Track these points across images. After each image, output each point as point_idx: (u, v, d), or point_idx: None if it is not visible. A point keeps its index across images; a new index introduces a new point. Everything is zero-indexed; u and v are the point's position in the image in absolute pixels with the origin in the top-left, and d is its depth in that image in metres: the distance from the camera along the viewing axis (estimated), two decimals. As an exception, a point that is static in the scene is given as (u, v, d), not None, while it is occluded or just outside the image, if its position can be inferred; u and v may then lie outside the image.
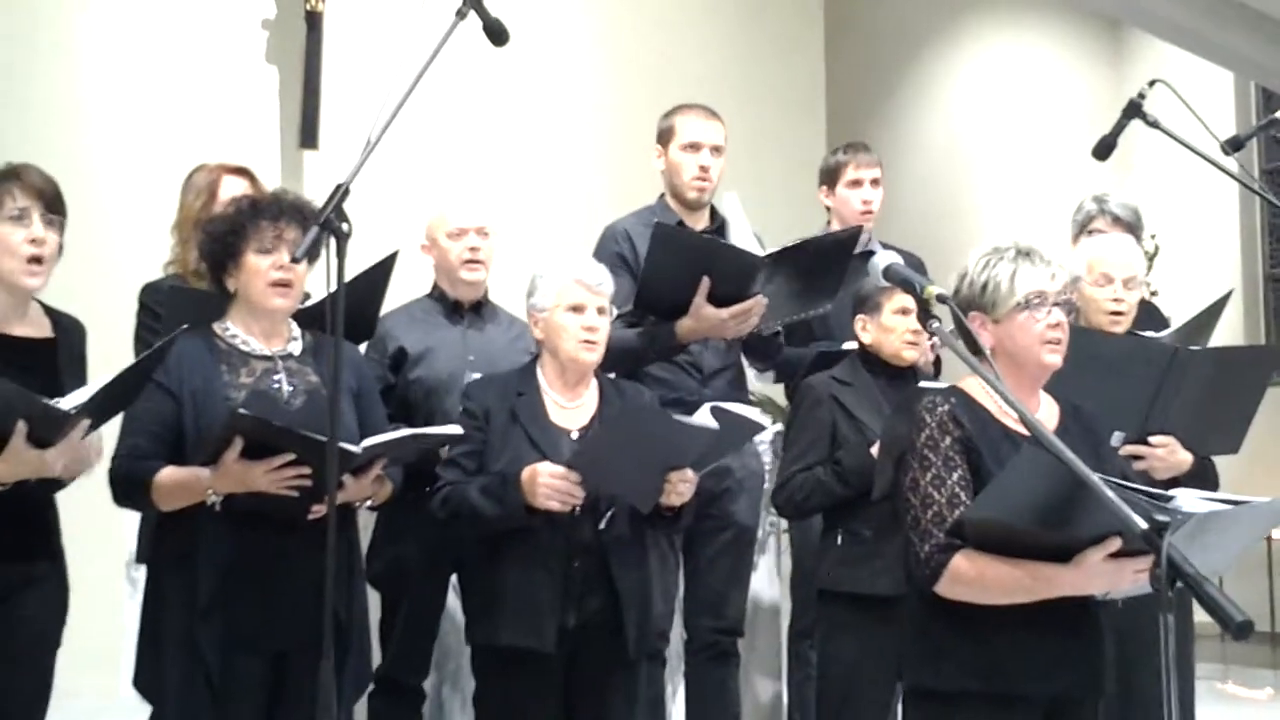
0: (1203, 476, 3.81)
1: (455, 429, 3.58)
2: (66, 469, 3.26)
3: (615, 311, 3.85)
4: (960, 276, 3.04)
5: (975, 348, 2.95)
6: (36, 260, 3.33)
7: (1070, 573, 2.79)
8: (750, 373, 4.84)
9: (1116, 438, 3.80)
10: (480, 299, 4.42)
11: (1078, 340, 3.96)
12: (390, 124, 3.10)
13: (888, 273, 2.93)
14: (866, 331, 4.19)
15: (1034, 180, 6.55)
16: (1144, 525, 2.21)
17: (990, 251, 3.03)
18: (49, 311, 3.47)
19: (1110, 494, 2.33)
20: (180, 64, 6.25)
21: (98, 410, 3.23)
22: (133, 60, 5.92)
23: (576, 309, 3.70)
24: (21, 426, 3.14)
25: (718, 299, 4.26)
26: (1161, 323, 4.68)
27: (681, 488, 3.59)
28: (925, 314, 2.87)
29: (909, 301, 4.09)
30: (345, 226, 3.00)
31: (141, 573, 3.56)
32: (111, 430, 3.36)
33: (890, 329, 4.15)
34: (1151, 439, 3.83)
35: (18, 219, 3.32)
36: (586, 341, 3.70)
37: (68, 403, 3.20)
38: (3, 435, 3.16)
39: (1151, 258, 5.05)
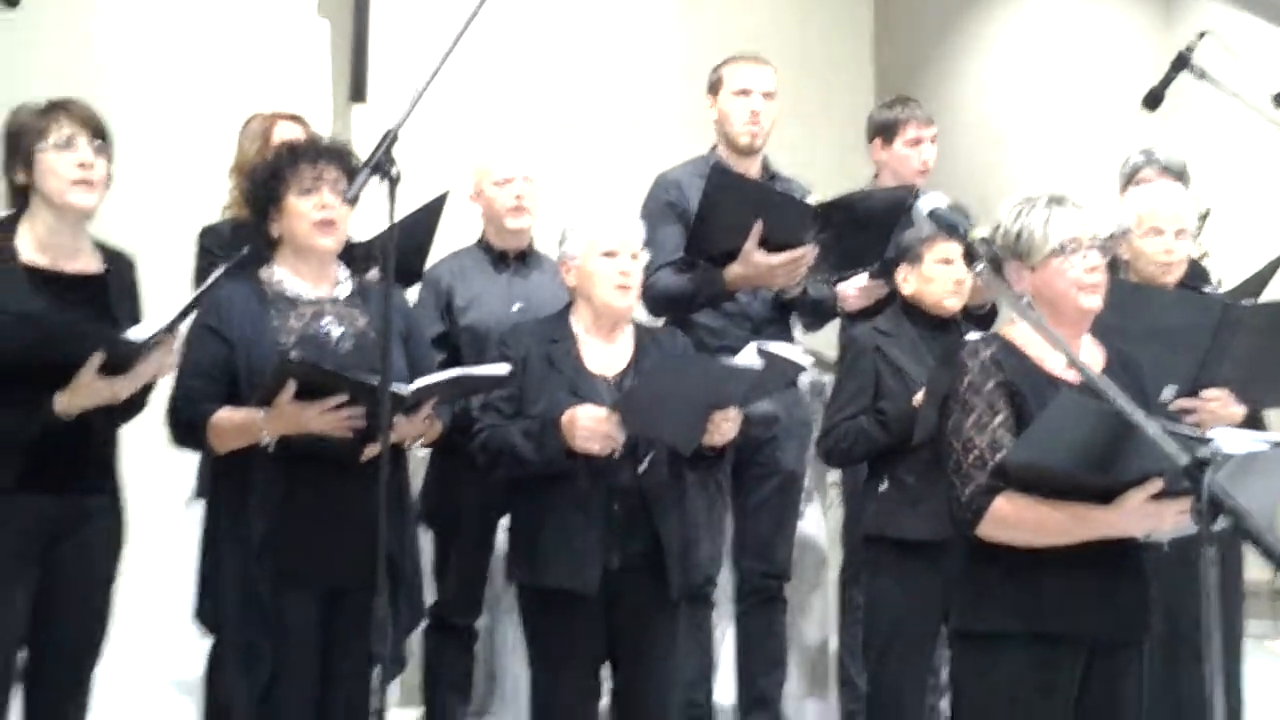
0: (1255, 429, 3.81)
1: (503, 368, 3.62)
2: (153, 374, 3.33)
3: (647, 257, 3.87)
4: (994, 227, 3.05)
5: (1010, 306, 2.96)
6: (86, 183, 3.38)
7: (1111, 514, 2.81)
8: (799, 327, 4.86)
9: (1168, 391, 3.81)
10: (526, 247, 4.46)
11: (1129, 296, 3.97)
12: (440, 70, 3.12)
13: (933, 215, 2.93)
14: (908, 282, 4.20)
15: (1084, 134, 6.51)
16: (1186, 460, 2.22)
17: (1022, 200, 3.03)
18: (100, 247, 3.52)
19: (1154, 429, 2.35)
20: (233, 16, 6.29)
21: (167, 335, 3.32)
22: (188, 11, 5.97)
23: (609, 255, 3.72)
24: (96, 359, 3.21)
25: (769, 246, 4.29)
26: (1207, 282, 4.66)
27: (725, 427, 3.62)
28: (970, 256, 2.88)
29: (950, 251, 4.09)
30: (395, 170, 3.05)
31: (199, 508, 3.63)
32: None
33: (932, 278, 4.16)
34: (1203, 392, 3.84)
35: (65, 145, 3.37)
36: (620, 287, 3.72)
37: (138, 333, 3.27)
38: (70, 368, 3.22)
39: (1203, 218, 5.03)
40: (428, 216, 4.21)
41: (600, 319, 3.76)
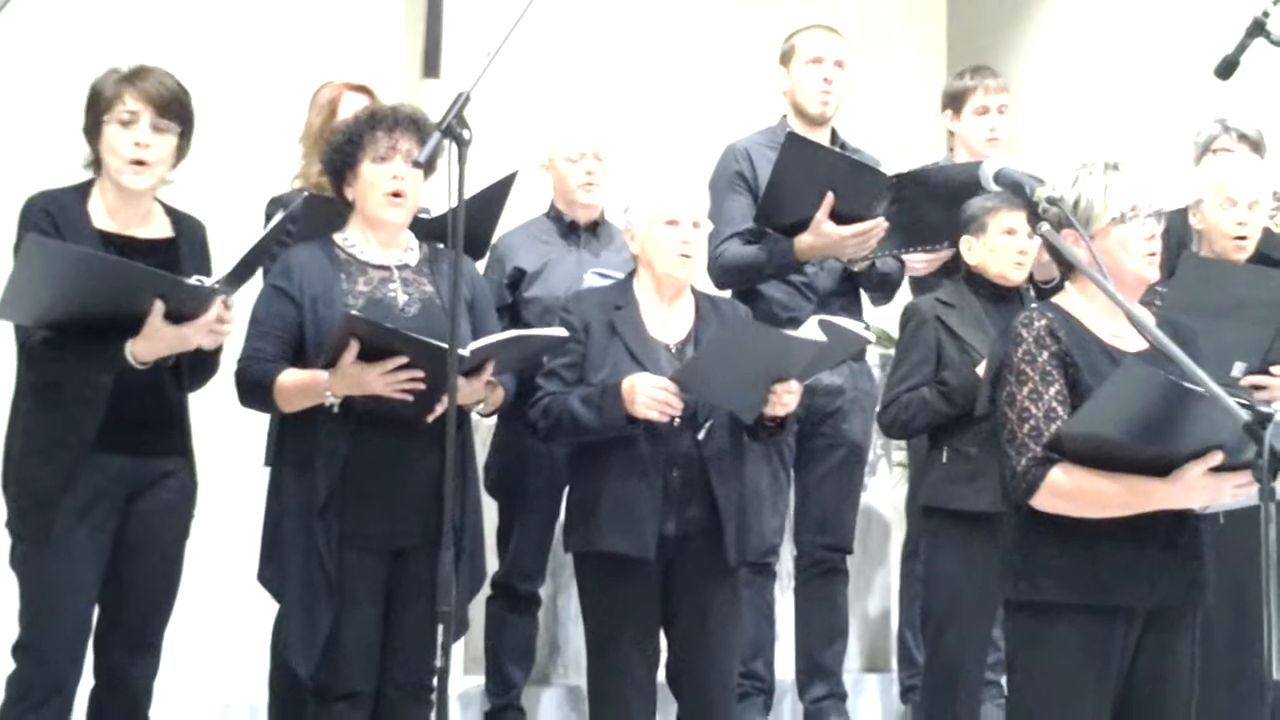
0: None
1: (561, 332, 3.65)
2: (210, 339, 3.38)
3: (710, 227, 3.87)
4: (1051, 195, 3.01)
5: (1069, 266, 2.94)
6: (139, 163, 3.42)
7: (1169, 487, 2.79)
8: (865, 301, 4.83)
9: (1238, 368, 3.77)
10: (596, 219, 4.48)
11: (1198, 270, 3.92)
12: (511, 34, 3.14)
13: (998, 176, 2.91)
14: (972, 252, 4.15)
15: (1156, 104, 6.42)
16: (1247, 417, 2.20)
17: (1078, 168, 3.00)
18: (169, 211, 3.58)
19: (1215, 387, 2.32)
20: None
21: (231, 285, 3.37)
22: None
23: (671, 223, 3.74)
24: (159, 305, 3.26)
25: (840, 217, 4.27)
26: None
27: (786, 399, 3.63)
28: (1035, 217, 2.86)
29: (1015, 221, 4.05)
30: (466, 134, 3.07)
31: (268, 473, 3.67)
32: (236, 337, 3.48)
33: (995, 249, 4.11)
34: (1274, 368, 3.79)
35: (127, 122, 3.42)
36: (682, 256, 3.73)
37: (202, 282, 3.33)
38: (140, 316, 3.28)
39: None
40: (495, 195, 4.24)
41: (662, 287, 3.78)
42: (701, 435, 3.65)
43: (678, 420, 3.62)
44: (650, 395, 3.57)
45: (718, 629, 3.71)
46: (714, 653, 3.72)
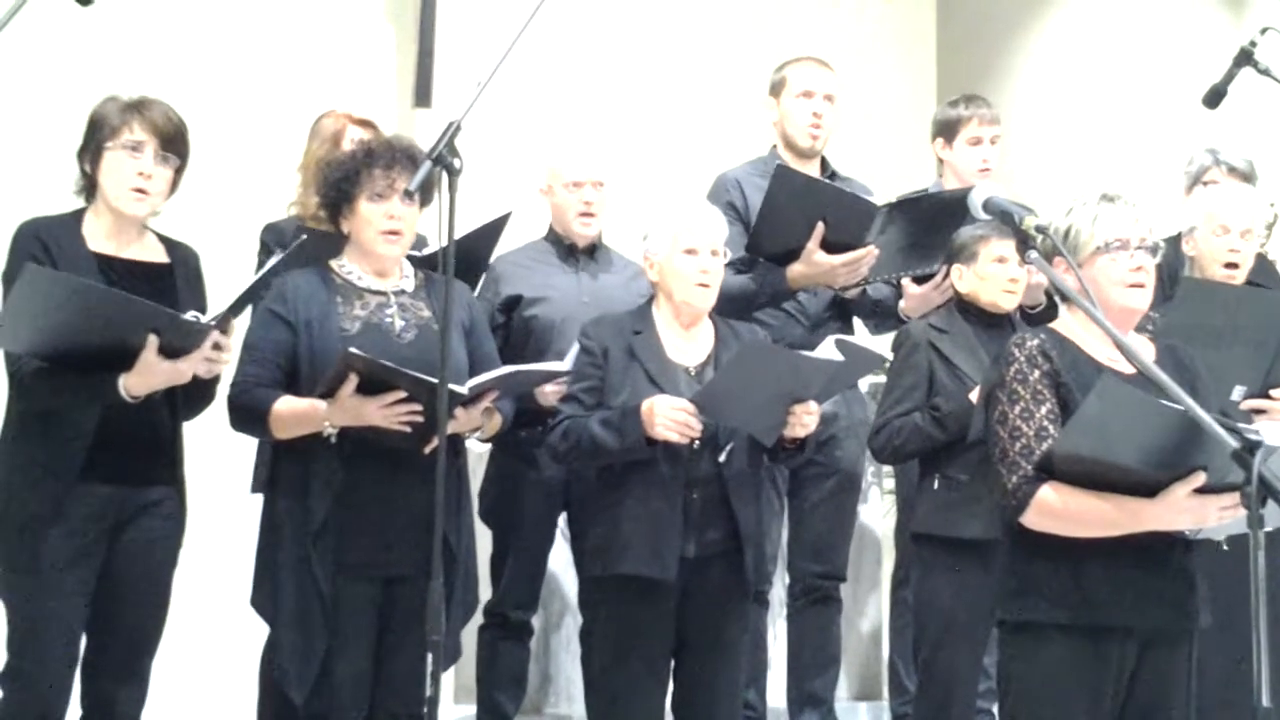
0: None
1: (559, 365, 3.65)
2: (206, 369, 3.37)
3: (728, 255, 3.88)
4: (1047, 225, 3.02)
5: (1060, 294, 2.95)
6: (141, 191, 3.43)
7: (1155, 507, 2.79)
8: (859, 325, 4.85)
9: (1238, 392, 3.78)
10: (594, 242, 4.48)
11: (1198, 293, 3.94)
12: (503, 62, 3.15)
13: (987, 205, 2.92)
14: (963, 280, 4.16)
15: (1146, 134, 6.45)
16: (1236, 444, 2.19)
17: (1076, 198, 3.02)
18: (162, 239, 3.58)
19: (1200, 413, 2.32)
20: (300, 20, 6.38)
21: (226, 321, 3.37)
22: (255, 14, 6.05)
23: (690, 252, 3.74)
24: (153, 339, 3.26)
25: (830, 246, 4.29)
26: (1278, 282, 4.61)
27: (806, 419, 3.64)
28: (1024, 245, 2.87)
29: (1006, 250, 4.06)
30: (457, 162, 3.08)
31: (257, 501, 3.67)
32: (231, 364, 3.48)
33: (986, 277, 4.12)
34: (1274, 392, 3.80)
35: (132, 149, 3.43)
36: (700, 285, 3.74)
37: (199, 317, 3.33)
38: (135, 349, 3.27)
39: (1270, 227, 4.98)
40: (488, 234, 4.23)
41: (680, 314, 3.80)
42: (723, 458, 3.66)
43: (696, 443, 3.62)
44: (669, 417, 3.57)
45: (732, 651, 3.71)
46: (728, 674, 3.71)
